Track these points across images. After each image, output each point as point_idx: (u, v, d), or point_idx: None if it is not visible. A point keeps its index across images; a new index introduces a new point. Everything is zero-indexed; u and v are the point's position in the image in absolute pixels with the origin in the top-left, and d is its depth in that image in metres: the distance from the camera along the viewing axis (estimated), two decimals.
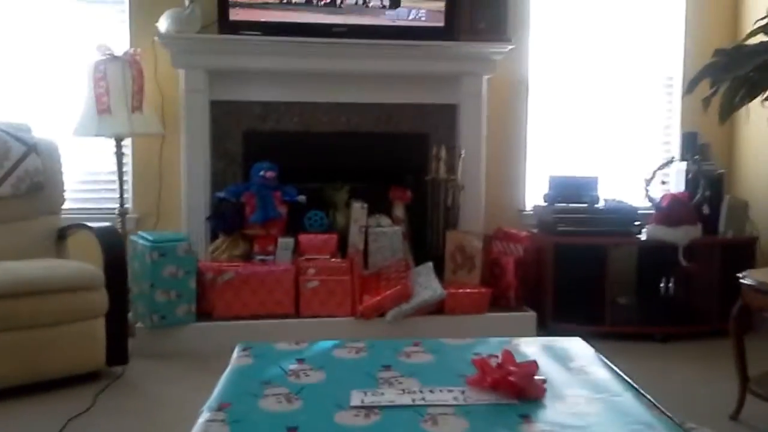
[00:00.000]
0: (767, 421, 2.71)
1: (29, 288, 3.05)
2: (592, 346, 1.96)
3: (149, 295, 3.55)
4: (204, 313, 3.64)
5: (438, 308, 3.72)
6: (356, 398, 1.57)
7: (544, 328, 3.80)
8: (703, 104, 2.99)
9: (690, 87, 3.08)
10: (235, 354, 1.89)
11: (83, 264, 3.29)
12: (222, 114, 3.99)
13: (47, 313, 3.11)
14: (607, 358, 1.87)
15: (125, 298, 3.43)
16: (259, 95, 4.00)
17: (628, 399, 1.56)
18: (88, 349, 3.29)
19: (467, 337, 2.06)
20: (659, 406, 1.53)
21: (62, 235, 3.61)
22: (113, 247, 3.34)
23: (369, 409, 1.52)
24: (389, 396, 1.58)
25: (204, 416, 1.49)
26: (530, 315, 3.81)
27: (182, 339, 3.59)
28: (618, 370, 1.73)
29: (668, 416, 1.48)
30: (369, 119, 4.10)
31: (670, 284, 3.97)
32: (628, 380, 1.66)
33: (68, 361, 3.22)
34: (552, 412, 1.51)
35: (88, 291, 3.21)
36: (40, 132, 3.63)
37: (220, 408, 1.53)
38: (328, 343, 1.96)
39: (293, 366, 1.79)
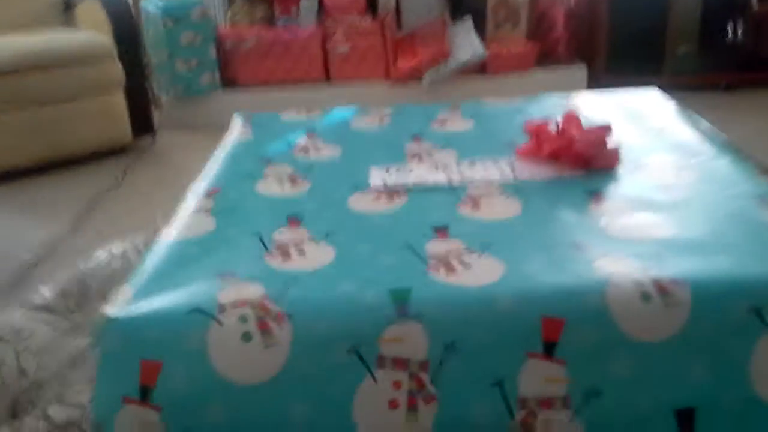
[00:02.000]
0: None
1: (37, 61, 2.70)
2: None
3: (168, 64, 3.15)
4: (229, 82, 3.26)
5: (480, 68, 3.23)
6: (376, 177, 1.17)
7: (596, 82, 3.31)
8: None
9: None
10: (231, 127, 1.48)
11: (91, 33, 2.88)
12: None
13: (60, 87, 2.79)
14: None
15: (142, 69, 3.06)
16: None
17: (728, 164, 1.13)
18: (111, 123, 3.01)
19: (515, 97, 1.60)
20: None
21: (69, 5, 3.15)
22: (121, 15, 2.90)
23: (392, 190, 1.12)
24: (418, 173, 1.18)
25: (187, 205, 1.12)
26: (581, 69, 3.31)
27: (208, 108, 3.25)
28: (713, 128, 1.28)
29: None
30: None
31: (738, 30, 3.38)
32: (728, 141, 1.22)
33: (93, 136, 2.95)
34: (629, 185, 1.09)
35: (100, 62, 2.84)
36: None
37: (208, 194, 1.16)
38: (346, 112, 1.53)
39: (302, 140, 1.39)
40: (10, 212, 2.63)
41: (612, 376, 0.81)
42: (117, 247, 1.46)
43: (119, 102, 2.98)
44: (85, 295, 1.32)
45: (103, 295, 1.31)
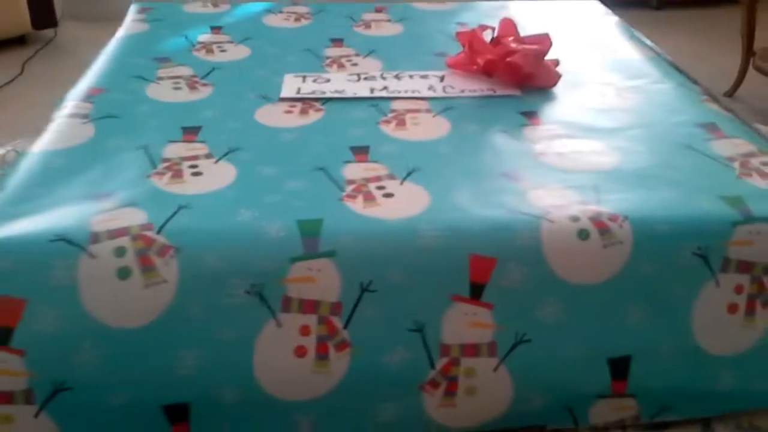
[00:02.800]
0: (763, 99, 2.26)
1: None
2: None
3: None
4: None
5: None
6: (290, 86, 1.02)
7: None
8: None
9: None
10: (127, 18, 1.28)
11: None
12: None
13: None
14: None
15: None
16: None
17: (673, 88, 1.03)
18: (7, 8, 2.70)
19: (448, 2, 1.45)
20: (717, 97, 1.01)
21: None
22: None
23: (307, 102, 0.98)
24: (337, 83, 1.03)
25: (61, 109, 0.95)
26: None
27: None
28: (657, 48, 1.18)
29: (730, 111, 0.97)
30: None
31: None
32: (673, 62, 1.12)
33: None
34: (567, 106, 0.98)
35: None
36: None
37: (88, 96, 0.98)
38: (258, 6, 1.34)
39: (205, 36, 1.20)
40: None
41: (543, 321, 0.73)
42: None
43: None
44: None
45: None
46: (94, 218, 0.71)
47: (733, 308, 0.75)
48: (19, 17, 2.76)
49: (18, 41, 2.86)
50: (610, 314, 0.73)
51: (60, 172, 0.80)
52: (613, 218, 0.73)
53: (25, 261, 0.68)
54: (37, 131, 1.34)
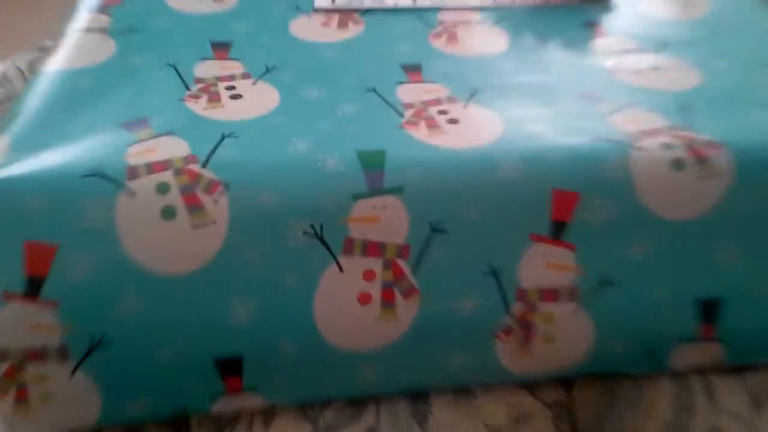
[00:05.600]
0: None
1: None
2: None
3: None
4: None
5: None
6: None
7: None
8: None
9: None
10: None
11: None
12: None
13: None
14: None
15: None
16: None
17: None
18: None
19: None
20: None
21: None
22: None
23: (345, 12, 0.87)
24: None
25: (76, 23, 0.83)
26: None
27: None
28: None
29: None
30: None
31: None
32: None
33: None
34: (632, 18, 0.88)
35: None
36: None
37: (103, 7, 0.87)
38: None
39: None
40: None
41: (629, 261, 0.65)
42: None
43: None
44: None
45: None
46: (130, 149, 0.62)
47: None
48: None
49: None
50: (703, 252, 0.66)
51: (85, 95, 0.69)
52: (710, 145, 0.65)
53: (55, 201, 0.59)
54: (38, 45, 1.22)
